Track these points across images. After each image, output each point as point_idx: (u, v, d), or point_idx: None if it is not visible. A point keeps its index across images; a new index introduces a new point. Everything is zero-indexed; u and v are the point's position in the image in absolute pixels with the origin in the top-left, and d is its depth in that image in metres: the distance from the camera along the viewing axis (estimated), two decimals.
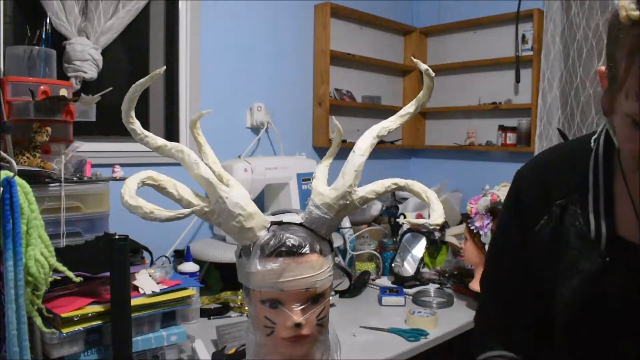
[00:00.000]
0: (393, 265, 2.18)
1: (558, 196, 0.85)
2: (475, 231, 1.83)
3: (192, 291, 1.38)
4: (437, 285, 2.10)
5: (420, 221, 0.84)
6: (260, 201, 2.22)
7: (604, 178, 0.82)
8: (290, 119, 2.52)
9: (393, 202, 2.66)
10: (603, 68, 0.74)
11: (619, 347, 0.81)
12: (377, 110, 2.94)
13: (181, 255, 1.87)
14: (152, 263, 1.51)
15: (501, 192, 1.83)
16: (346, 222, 2.31)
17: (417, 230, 2.21)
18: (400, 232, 2.29)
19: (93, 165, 1.44)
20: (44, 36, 1.60)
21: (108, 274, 1.18)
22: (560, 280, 0.84)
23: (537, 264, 0.89)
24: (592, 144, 0.84)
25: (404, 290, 1.98)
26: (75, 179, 1.35)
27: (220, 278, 1.96)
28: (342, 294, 1.98)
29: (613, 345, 0.82)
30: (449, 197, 2.65)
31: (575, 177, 0.84)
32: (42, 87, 1.42)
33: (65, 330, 1.13)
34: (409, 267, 2.14)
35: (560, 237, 0.84)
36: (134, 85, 0.77)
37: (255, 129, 2.37)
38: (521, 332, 0.94)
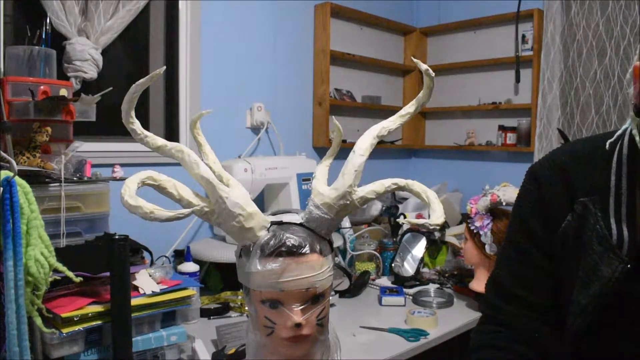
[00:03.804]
0: (393, 265, 2.18)
1: (580, 194, 0.84)
2: (475, 231, 1.83)
3: (192, 291, 1.38)
4: (437, 285, 2.10)
5: (420, 221, 0.84)
6: (260, 201, 2.21)
7: (627, 182, 0.80)
8: (290, 119, 2.52)
9: (393, 202, 2.66)
10: (639, 64, 0.72)
11: (630, 355, 0.80)
12: (377, 110, 2.94)
13: (181, 255, 1.87)
14: (152, 263, 1.51)
15: (501, 192, 1.82)
16: (346, 222, 2.31)
17: (417, 230, 2.21)
18: (400, 232, 2.29)
19: (93, 165, 1.44)
20: (44, 36, 1.59)
21: (108, 274, 1.18)
22: (578, 286, 0.83)
23: (557, 264, 0.88)
24: (608, 146, 0.82)
25: (404, 290, 1.98)
26: (75, 179, 1.34)
27: (220, 278, 1.96)
28: (342, 294, 1.98)
29: (622, 352, 0.81)
30: (449, 197, 2.65)
31: (595, 177, 0.83)
32: (42, 87, 1.42)
33: (65, 330, 1.13)
34: (409, 267, 2.14)
35: (581, 240, 0.82)
36: (134, 85, 0.77)
37: (255, 129, 2.37)
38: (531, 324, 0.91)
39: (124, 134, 0.92)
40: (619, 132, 0.82)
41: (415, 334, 1.59)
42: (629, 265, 0.77)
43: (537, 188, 0.90)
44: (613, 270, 0.78)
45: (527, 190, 0.93)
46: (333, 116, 1.27)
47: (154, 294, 1.30)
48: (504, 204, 1.82)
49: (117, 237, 1.16)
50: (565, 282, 0.87)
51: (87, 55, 1.72)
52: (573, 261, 0.84)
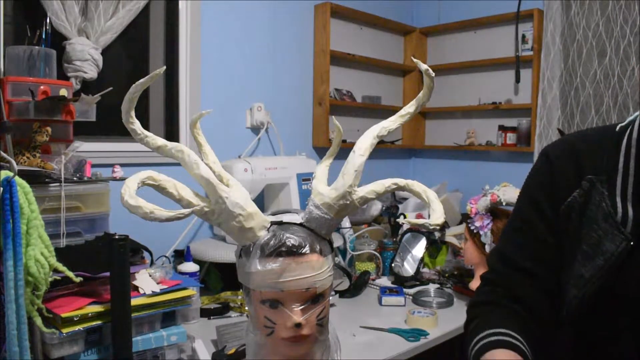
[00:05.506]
0: (393, 265, 2.18)
1: (588, 174, 0.87)
2: (475, 231, 1.83)
3: (192, 291, 1.38)
4: (437, 285, 2.10)
5: (420, 221, 0.84)
6: (260, 201, 2.21)
7: (636, 164, 0.82)
8: (290, 119, 2.52)
9: (393, 202, 2.66)
10: None
11: (629, 333, 0.82)
12: (377, 110, 2.94)
13: (181, 255, 1.87)
14: (152, 263, 1.51)
15: (501, 192, 1.83)
16: (346, 222, 2.31)
17: (417, 230, 2.21)
18: (400, 232, 2.29)
19: (93, 165, 1.44)
20: (44, 36, 1.59)
21: (108, 274, 1.18)
22: (581, 260, 0.85)
23: (560, 239, 0.90)
24: (618, 129, 0.86)
25: (404, 290, 1.98)
26: (75, 179, 1.34)
27: (220, 278, 1.96)
28: (342, 294, 1.98)
29: (621, 329, 0.83)
30: (449, 197, 2.65)
31: (604, 159, 0.86)
32: (42, 87, 1.42)
33: (65, 330, 1.13)
34: (409, 267, 2.14)
35: (586, 215, 0.85)
36: (134, 85, 0.77)
37: (255, 129, 2.37)
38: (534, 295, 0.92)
39: (124, 134, 0.93)
40: (630, 118, 0.86)
41: (415, 334, 1.59)
42: (632, 243, 0.80)
43: (548, 164, 0.93)
44: (617, 246, 0.80)
45: (538, 167, 0.96)
46: (333, 116, 1.27)
47: (154, 294, 1.30)
48: (504, 204, 1.82)
49: (117, 237, 1.16)
50: (566, 257, 0.88)
51: (87, 55, 1.72)
52: (575, 236, 0.86)
